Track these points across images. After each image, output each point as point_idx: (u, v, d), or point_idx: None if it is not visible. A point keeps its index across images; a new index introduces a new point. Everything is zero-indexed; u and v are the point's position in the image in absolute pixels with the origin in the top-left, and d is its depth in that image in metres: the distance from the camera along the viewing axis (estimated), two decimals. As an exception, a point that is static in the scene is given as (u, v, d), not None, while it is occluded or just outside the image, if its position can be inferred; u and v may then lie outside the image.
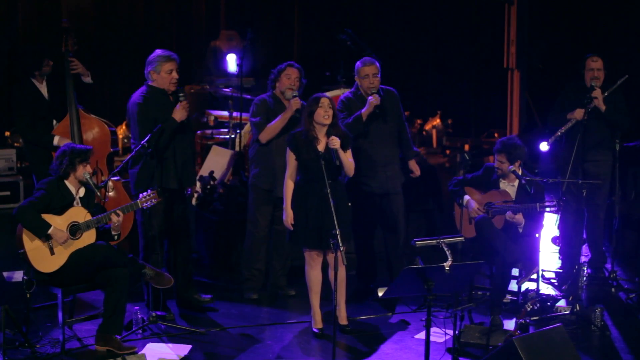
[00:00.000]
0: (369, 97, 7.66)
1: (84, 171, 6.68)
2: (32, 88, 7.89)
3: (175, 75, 7.31)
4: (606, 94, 8.16)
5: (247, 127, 9.91)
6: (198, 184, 9.04)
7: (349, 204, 7.07)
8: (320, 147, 6.93)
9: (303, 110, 7.13)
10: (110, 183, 7.80)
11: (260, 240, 7.91)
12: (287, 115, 7.61)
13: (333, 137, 6.88)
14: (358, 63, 7.79)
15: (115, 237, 6.80)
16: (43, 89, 7.94)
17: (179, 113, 7.23)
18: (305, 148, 6.92)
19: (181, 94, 7.26)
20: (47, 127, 7.87)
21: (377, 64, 7.76)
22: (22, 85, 7.91)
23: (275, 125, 7.65)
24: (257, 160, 7.85)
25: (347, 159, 6.98)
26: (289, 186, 7.01)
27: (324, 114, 6.90)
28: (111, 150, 8.04)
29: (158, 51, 7.37)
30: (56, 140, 7.75)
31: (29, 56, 7.99)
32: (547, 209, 7.26)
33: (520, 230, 7.33)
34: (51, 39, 8.08)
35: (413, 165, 8.06)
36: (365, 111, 7.63)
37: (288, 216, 6.97)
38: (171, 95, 7.33)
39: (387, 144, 7.83)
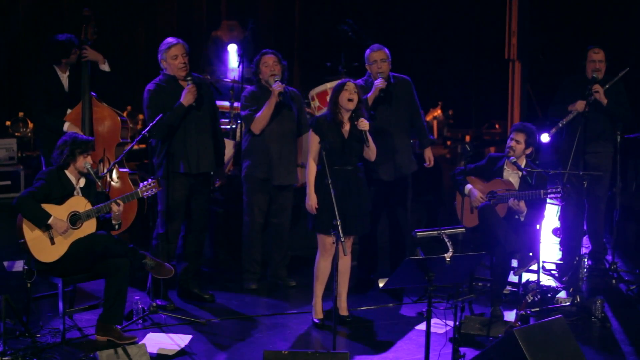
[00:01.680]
0: (375, 81, 7.67)
1: (84, 162, 6.68)
2: (54, 78, 7.87)
3: (181, 60, 7.29)
4: (607, 87, 8.15)
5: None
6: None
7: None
8: (345, 131, 6.92)
9: (332, 94, 6.95)
10: (115, 173, 7.80)
11: (256, 231, 7.90)
12: (272, 101, 7.61)
13: (362, 119, 6.85)
14: (367, 50, 7.86)
15: (116, 226, 6.80)
16: (65, 80, 7.92)
17: (186, 97, 7.22)
18: (330, 132, 6.89)
19: (189, 78, 7.25)
20: (60, 115, 7.85)
21: (386, 50, 7.80)
22: (45, 72, 7.87)
23: (263, 114, 7.64)
24: (250, 150, 7.84)
25: (372, 143, 6.97)
26: (312, 170, 6.90)
27: (348, 97, 6.85)
28: (120, 140, 8.00)
29: (167, 39, 7.39)
30: (66, 126, 7.73)
31: (60, 45, 7.88)
32: (552, 194, 7.24)
33: (522, 219, 7.32)
34: (54, 29, 8.01)
35: (428, 153, 8.05)
36: (371, 95, 7.62)
37: (312, 200, 6.87)
38: (183, 80, 7.32)
39: (394, 131, 7.82)
